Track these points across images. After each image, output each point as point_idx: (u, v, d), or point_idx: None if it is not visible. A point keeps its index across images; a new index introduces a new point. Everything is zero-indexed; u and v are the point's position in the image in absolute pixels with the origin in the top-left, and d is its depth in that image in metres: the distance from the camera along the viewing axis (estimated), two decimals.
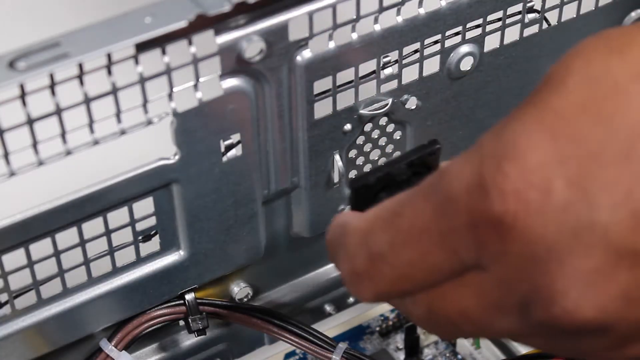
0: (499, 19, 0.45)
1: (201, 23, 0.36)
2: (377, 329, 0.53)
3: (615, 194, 0.28)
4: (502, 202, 0.29)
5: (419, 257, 0.32)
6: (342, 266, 0.34)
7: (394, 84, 0.44)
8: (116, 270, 0.43)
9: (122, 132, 0.37)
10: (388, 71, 0.43)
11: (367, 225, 0.34)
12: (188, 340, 0.49)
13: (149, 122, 0.38)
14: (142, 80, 0.36)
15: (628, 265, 0.28)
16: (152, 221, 0.42)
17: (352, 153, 0.45)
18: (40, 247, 0.39)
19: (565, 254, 0.29)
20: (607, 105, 0.29)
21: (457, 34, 0.44)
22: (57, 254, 0.40)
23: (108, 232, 0.41)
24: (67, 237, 0.40)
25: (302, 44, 0.40)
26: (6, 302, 0.41)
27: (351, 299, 0.53)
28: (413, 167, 0.40)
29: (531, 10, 0.46)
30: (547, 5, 0.46)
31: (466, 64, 0.45)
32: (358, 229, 0.34)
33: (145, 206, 0.41)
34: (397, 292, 0.33)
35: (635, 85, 0.29)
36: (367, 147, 0.46)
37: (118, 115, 0.37)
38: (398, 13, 0.42)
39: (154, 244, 0.43)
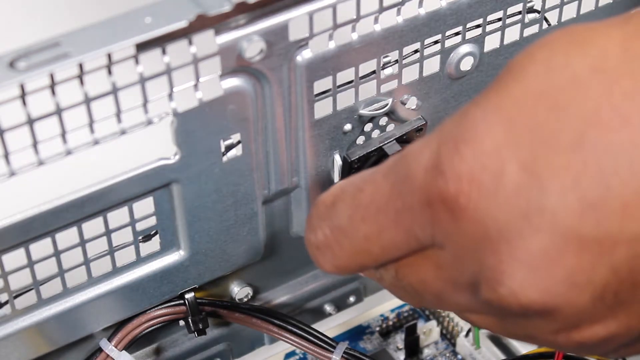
0: (499, 19, 0.45)
1: (201, 23, 0.36)
2: (377, 329, 0.53)
3: (564, 179, 0.29)
4: (456, 183, 0.30)
5: (375, 233, 0.33)
6: (307, 235, 0.36)
7: (394, 84, 0.44)
8: (116, 270, 0.43)
9: (122, 132, 0.37)
10: (388, 71, 0.43)
11: (332, 198, 0.35)
12: (188, 340, 0.49)
13: (149, 122, 0.38)
14: (142, 80, 0.36)
15: (574, 250, 0.29)
16: (152, 221, 0.42)
17: None
18: (40, 247, 0.39)
19: (514, 236, 0.29)
20: (563, 95, 0.29)
21: (457, 34, 0.44)
22: (57, 254, 0.40)
23: (108, 232, 0.41)
24: (67, 237, 0.40)
25: (302, 44, 0.40)
26: (6, 302, 0.41)
27: (351, 299, 0.53)
28: (402, 142, 0.41)
29: (531, 10, 0.46)
30: (547, 5, 0.46)
31: (466, 64, 0.45)
32: (323, 201, 0.35)
33: (145, 206, 0.41)
34: (357, 265, 0.34)
35: (592, 78, 0.29)
36: None
37: (118, 115, 0.37)
38: (398, 13, 0.42)
39: (154, 244, 0.43)
